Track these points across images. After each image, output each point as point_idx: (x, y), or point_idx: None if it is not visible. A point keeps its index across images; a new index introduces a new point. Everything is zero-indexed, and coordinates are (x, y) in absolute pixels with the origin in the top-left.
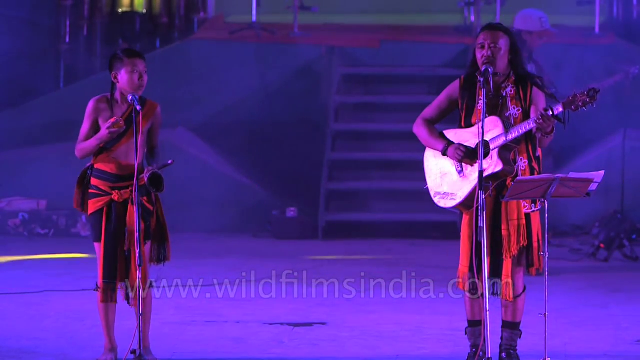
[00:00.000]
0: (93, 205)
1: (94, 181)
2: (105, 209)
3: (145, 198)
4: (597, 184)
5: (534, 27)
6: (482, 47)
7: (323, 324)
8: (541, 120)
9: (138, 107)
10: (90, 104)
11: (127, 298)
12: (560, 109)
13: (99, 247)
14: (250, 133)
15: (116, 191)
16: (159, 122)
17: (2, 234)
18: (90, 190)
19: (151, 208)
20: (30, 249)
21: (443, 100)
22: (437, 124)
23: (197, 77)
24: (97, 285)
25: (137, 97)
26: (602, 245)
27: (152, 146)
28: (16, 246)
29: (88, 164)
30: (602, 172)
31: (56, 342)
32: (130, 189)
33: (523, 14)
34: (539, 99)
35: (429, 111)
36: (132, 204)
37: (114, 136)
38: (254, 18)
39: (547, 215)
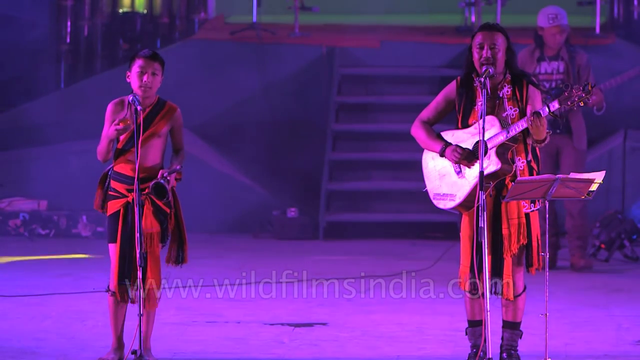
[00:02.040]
0: (111, 207)
1: (112, 184)
2: (122, 211)
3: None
4: (598, 184)
5: (543, 23)
6: (481, 48)
7: (324, 324)
8: (532, 119)
9: (139, 108)
10: (109, 108)
11: (146, 299)
12: (557, 105)
13: (114, 249)
14: (251, 133)
15: (132, 194)
16: (179, 124)
17: (3, 234)
18: (109, 192)
19: (167, 210)
20: (30, 250)
21: (440, 102)
22: (435, 125)
23: (197, 78)
24: (108, 287)
25: (138, 97)
26: (602, 246)
27: (176, 148)
28: (16, 246)
29: (109, 167)
30: (603, 172)
31: (57, 342)
32: (146, 190)
33: (541, 9)
34: (535, 97)
35: (426, 113)
36: (134, 204)
37: (120, 133)
38: (255, 18)
39: (547, 215)
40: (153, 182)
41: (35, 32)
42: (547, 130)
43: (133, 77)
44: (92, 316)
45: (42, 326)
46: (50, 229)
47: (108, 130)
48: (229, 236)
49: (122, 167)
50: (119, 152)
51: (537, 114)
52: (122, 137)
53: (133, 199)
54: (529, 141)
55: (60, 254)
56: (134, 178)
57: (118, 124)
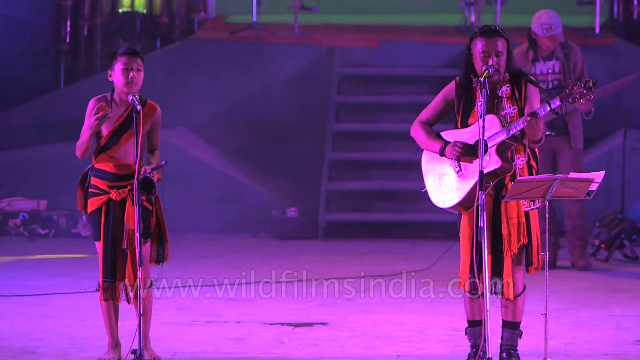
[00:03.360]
0: (92, 205)
1: (94, 181)
2: (104, 208)
3: (144, 198)
4: (598, 184)
5: (537, 31)
6: (487, 56)
7: (324, 324)
8: (529, 120)
9: (139, 108)
10: (91, 104)
11: (127, 298)
12: (558, 103)
13: (100, 247)
14: (251, 133)
15: (114, 190)
16: (158, 123)
17: (3, 234)
18: (90, 190)
19: (150, 208)
20: (30, 250)
21: (439, 102)
22: (435, 126)
23: (197, 78)
24: (99, 285)
25: (138, 97)
26: (602, 246)
27: (153, 148)
28: (17, 246)
29: (89, 166)
30: (603, 172)
31: (57, 342)
32: (129, 187)
33: (537, 14)
34: (534, 96)
35: (425, 114)
36: (133, 204)
37: (102, 123)
38: (255, 18)
39: (547, 215)
40: (141, 177)
41: (35, 32)
42: (544, 132)
43: (117, 75)
44: (92, 316)
45: (42, 326)
46: (50, 229)
47: (89, 121)
48: (229, 236)
49: (103, 165)
50: (101, 150)
51: (534, 114)
52: (105, 134)
53: (124, 196)
54: (525, 141)
55: (60, 254)
56: (117, 175)
57: (97, 113)
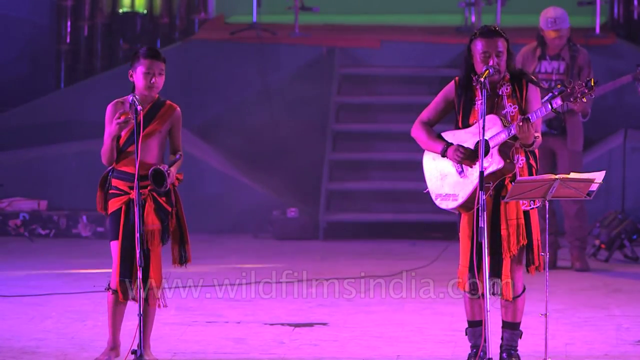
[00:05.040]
0: (113, 205)
1: (114, 182)
2: (124, 208)
3: (164, 198)
4: (598, 184)
5: (542, 25)
6: (487, 56)
7: (324, 324)
8: (520, 124)
9: (139, 108)
10: (108, 108)
11: (146, 297)
12: (559, 102)
13: (116, 247)
14: (251, 133)
15: (134, 191)
16: (178, 124)
17: (3, 234)
18: (110, 191)
19: (169, 209)
20: (30, 250)
21: (439, 102)
22: (435, 126)
23: (197, 78)
24: (108, 285)
25: (137, 97)
26: (602, 246)
27: (175, 149)
28: (16, 246)
29: (109, 168)
30: (603, 172)
31: (57, 342)
32: (149, 188)
33: (544, 10)
34: (535, 96)
35: (426, 114)
36: (134, 204)
37: (122, 127)
38: (255, 18)
39: (547, 215)
40: (152, 169)
41: (35, 32)
42: (536, 135)
43: (138, 77)
44: (92, 316)
45: (42, 326)
46: (50, 229)
47: (110, 128)
48: (229, 236)
49: (123, 166)
50: (119, 151)
51: (526, 119)
52: (122, 135)
53: (144, 197)
54: (517, 144)
55: (60, 254)
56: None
57: (119, 118)
